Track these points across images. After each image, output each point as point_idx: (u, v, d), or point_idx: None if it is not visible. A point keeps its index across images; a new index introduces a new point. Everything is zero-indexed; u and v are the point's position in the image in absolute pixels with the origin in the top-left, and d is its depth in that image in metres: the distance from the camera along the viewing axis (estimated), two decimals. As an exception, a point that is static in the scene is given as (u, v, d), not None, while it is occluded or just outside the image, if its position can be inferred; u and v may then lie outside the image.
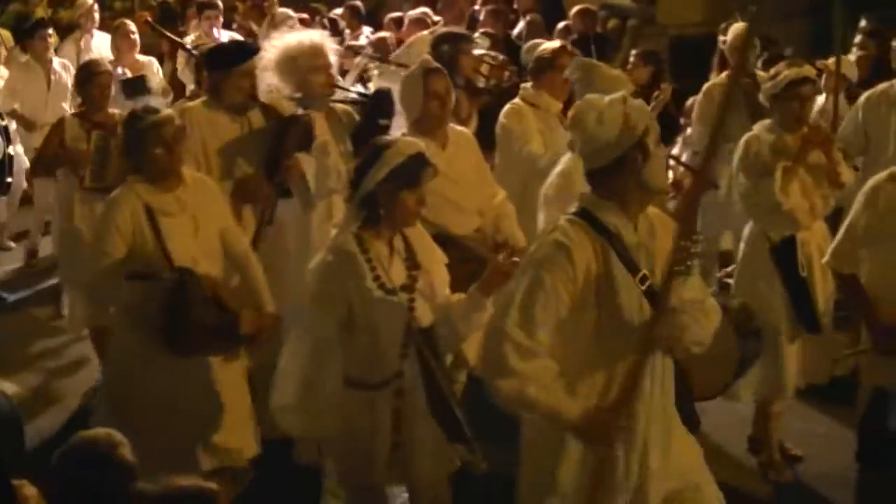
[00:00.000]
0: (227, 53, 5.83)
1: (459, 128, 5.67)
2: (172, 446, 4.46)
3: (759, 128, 5.35)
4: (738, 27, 7.48)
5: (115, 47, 8.95)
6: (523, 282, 3.43)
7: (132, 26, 8.93)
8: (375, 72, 8.05)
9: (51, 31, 9.36)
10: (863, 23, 8.45)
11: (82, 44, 9.55)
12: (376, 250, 4.02)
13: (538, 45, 6.80)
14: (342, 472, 4.34)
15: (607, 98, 3.57)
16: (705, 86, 7.50)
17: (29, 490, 3.07)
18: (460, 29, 7.41)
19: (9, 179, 7.14)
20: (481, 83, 7.21)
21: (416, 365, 4.05)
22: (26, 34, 9.27)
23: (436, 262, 4.20)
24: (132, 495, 3.04)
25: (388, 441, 4.09)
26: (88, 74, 6.62)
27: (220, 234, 4.77)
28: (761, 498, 5.28)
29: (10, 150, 6.90)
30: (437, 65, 5.51)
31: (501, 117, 6.23)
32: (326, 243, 4.42)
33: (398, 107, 5.68)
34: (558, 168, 5.18)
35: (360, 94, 6.42)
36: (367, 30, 10.77)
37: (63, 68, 8.90)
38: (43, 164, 6.73)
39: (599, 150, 3.51)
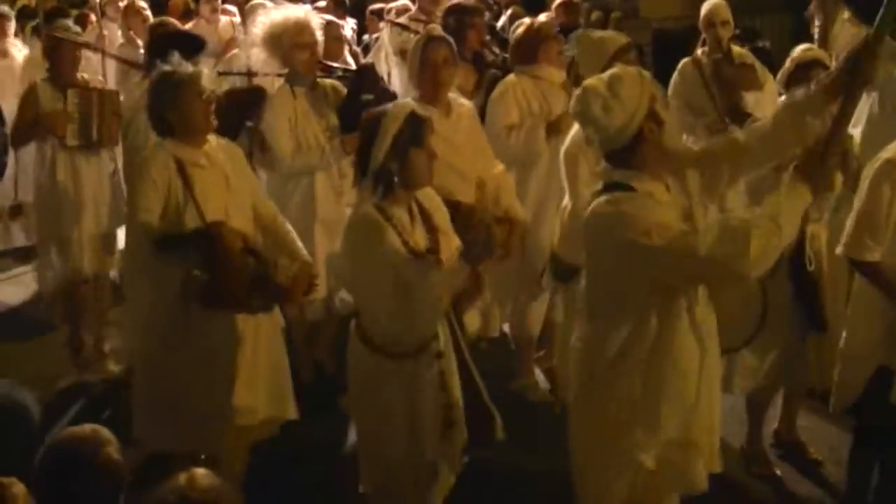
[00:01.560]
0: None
1: (462, 99, 5.68)
2: (206, 409, 4.53)
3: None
4: (713, 2, 7.56)
5: (128, 27, 8.96)
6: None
7: (142, 3, 8.97)
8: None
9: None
10: (845, 15, 8.49)
11: (106, 32, 9.37)
12: (398, 217, 4.04)
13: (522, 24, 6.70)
14: (380, 455, 4.25)
15: (605, 80, 3.60)
16: (680, 63, 7.57)
17: (17, 488, 2.97)
18: (466, 2, 7.40)
19: (4, 158, 7.12)
20: (489, 56, 7.20)
21: (446, 325, 4.15)
22: (44, 23, 9.24)
23: (448, 224, 4.25)
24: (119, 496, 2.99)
25: (439, 405, 4.12)
26: (56, 39, 6.61)
27: (250, 194, 4.79)
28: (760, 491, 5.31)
29: (5, 129, 6.88)
30: (440, 33, 5.55)
31: (495, 91, 6.09)
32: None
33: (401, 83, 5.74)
34: (576, 130, 5.13)
35: (344, 69, 6.45)
36: (351, 21, 10.78)
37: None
38: (22, 132, 6.66)
39: (614, 135, 3.59)
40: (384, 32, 8.31)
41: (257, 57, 6.10)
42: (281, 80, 6.08)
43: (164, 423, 4.69)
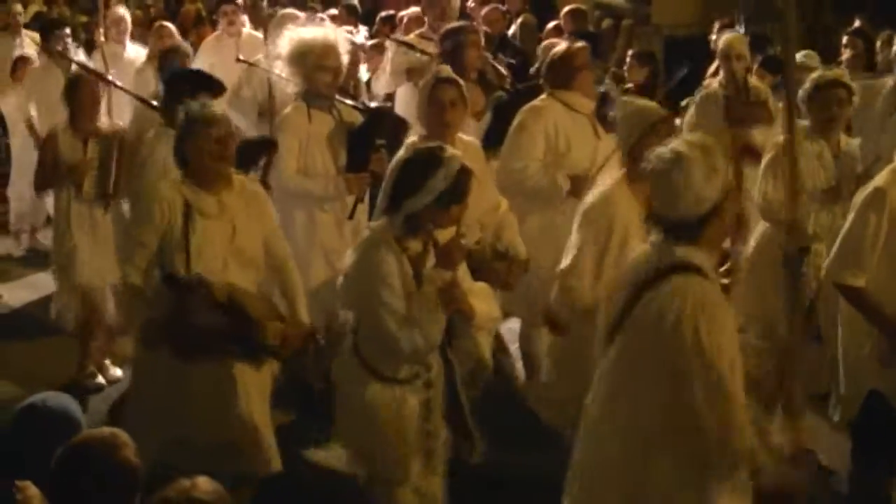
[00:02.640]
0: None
1: (467, 138, 5.61)
2: (192, 449, 4.49)
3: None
4: (729, 36, 7.52)
5: (153, 52, 8.96)
6: None
7: (170, 27, 8.99)
8: None
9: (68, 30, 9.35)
10: (857, 23, 8.51)
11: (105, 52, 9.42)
12: (413, 248, 4.07)
13: (555, 44, 6.68)
14: (374, 473, 4.33)
15: (700, 148, 3.49)
16: (700, 94, 7.54)
17: (32, 491, 3.04)
18: (461, 23, 7.39)
19: (7, 168, 7.18)
20: (492, 77, 7.19)
21: (440, 357, 4.18)
22: (43, 34, 9.31)
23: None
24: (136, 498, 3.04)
25: (421, 432, 4.18)
26: (76, 83, 6.64)
27: (262, 241, 4.74)
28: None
29: (8, 140, 6.92)
30: (449, 75, 5.43)
31: (522, 113, 5.96)
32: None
33: (405, 101, 5.72)
34: (600, 189, 4.96)
35: (362, 104, 6.43)
36: (363, 29, 10.81)
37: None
38: (44, 180, 6.71)
39: (699, 207, 3.47)
40: (389, 50, 8.28)
41: (281, 70, 6.08)
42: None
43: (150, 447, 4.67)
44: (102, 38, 8.99)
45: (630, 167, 4.76)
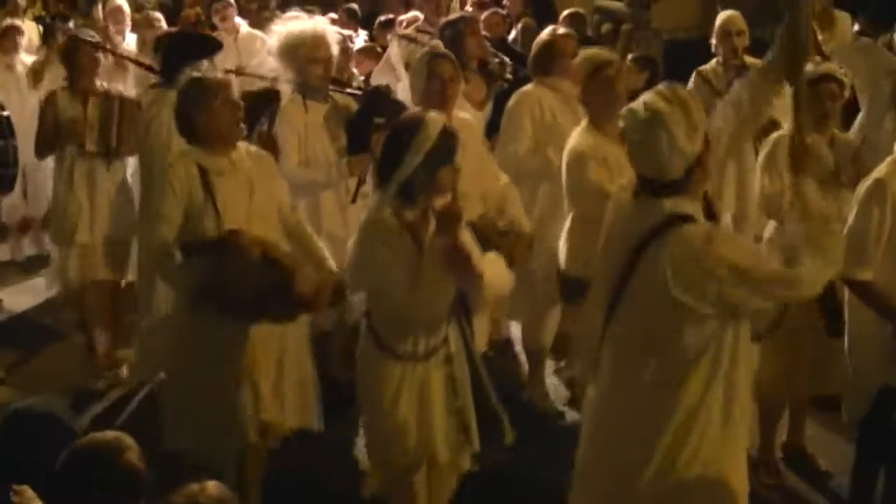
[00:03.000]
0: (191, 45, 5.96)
1: (462, 114, 5.69)
2: (222, 420, 4.55)
3: (788, 126, 5.31)
4: (728, 12, 7.56)
5: (142, 39, 9.01)
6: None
7: (159, 16, 9.02)
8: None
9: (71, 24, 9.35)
10: (856, 27, 8.49)
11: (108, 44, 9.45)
12: (411, 218, 4.07)
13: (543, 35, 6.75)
14: (392, 460, 4.28)
15: (675, 103, 3.50)
16: (693, 75, 7.58)
17: (28, 494, 3.04)
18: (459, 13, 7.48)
19: (13, 171, 7.18)
20: (494, 65, 7.23)
21: (457, 330, 4.17)
22: (48, 30, 9.30)
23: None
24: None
25: (450, 410, 4.17)
26: (76, 45, 6.67)
27: (275, 200, 4.79)
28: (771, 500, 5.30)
29: (16, 142, 6.94)
30: (444, 51, 5.59)
31: (512, 100, 6.18)
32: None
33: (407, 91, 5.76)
34: (571, 143, 5.23)
35: (357, 88, 6.47)
36: (363, 33, 10.81)
37: None
38: (44, 142, 6.73)
39: (685, 163, 3.49)
40: (392, 44, 8.32)
41: (272, 65, 6.14)
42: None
43: (187, 428, 4.70)
44: (101, 20, 9.05)
45: (589, 112, 5.21)
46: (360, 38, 10.45)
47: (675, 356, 3.52)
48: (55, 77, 8.53)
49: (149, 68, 7.21)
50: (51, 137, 6.65)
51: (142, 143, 6.31)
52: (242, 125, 4.70)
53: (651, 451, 3.58)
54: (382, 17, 10.74)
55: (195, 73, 4.72)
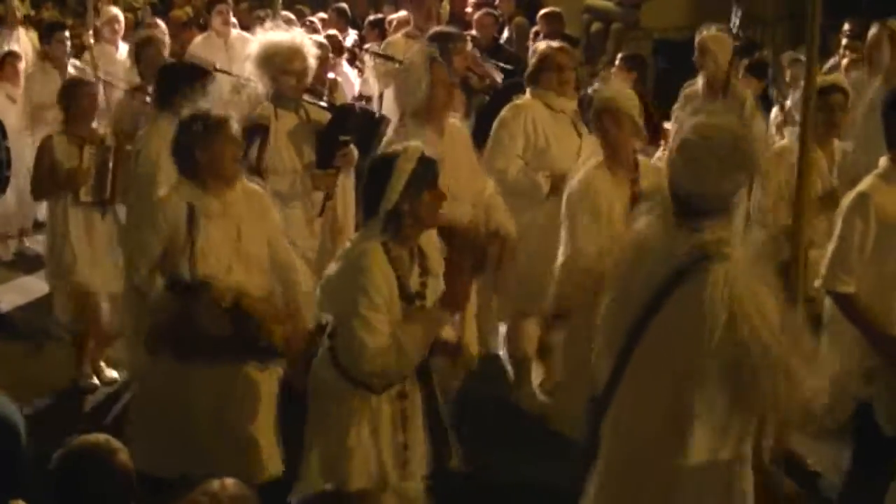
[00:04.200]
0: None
1: (452, 119, 5.72)
2: (193, 454, 4.49)
3: (789, 138, 5.30)
4: (706, 34, 7.55)
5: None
6: None
7: (157, 22, 9.03)
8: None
9: (67, 33, 9.27)
10: (846, 26, 8.52)
11: (97, 52, 9.21)
12: (400, 258, 4.06)
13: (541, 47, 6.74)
14: (345, 485, 4.22)
15: (725, 138, 3.40)
16: (683, 91, 7.58)
17: None
18: (451, 28, 7.45)
19: (6, 173, 7.16)
20: (475, 82, 7.25)
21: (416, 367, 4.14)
22: (42, 37, 9.27)
23: (439, 267, 4.25)
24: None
25: (396, 443, 4.15)
26: (75, 87, 6.64)
27: (267, 240, 4.75)
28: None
29: (7, 144, 6.91)
30: (438, 55, 5.58)
31: (504, 111, 6.12)
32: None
33: (392, 101, 5.75)
34: (580, 176, 5.11)
35: (328, 104, 6.47)
36: (353, 33, 10.80)
37: (79, 73, 8.68)
38: (41, 187, 6.68)
39: (726, 193, 3.42)
40: (368, 62, 8.34)
41: (249, 71, 6.14)
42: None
43: (154, 450, 4.62)
44: (92, 40, 8.99)
45: (603, 151, 5.11)
46: (350, 38, 10.45)
47: (706, 383, 3.42)
48: (49, 80, 8.58)
49: (138, 89, 7.14)
50: (46, 182, 6.58)
51: (129, 171, 6.23)
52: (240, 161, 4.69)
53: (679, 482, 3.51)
54: (372, 17, 10.75)
55: (196, 108, 4.65)
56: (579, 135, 6.01)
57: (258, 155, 5.72)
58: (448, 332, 4.22)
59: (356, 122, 5.93)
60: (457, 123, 5.76)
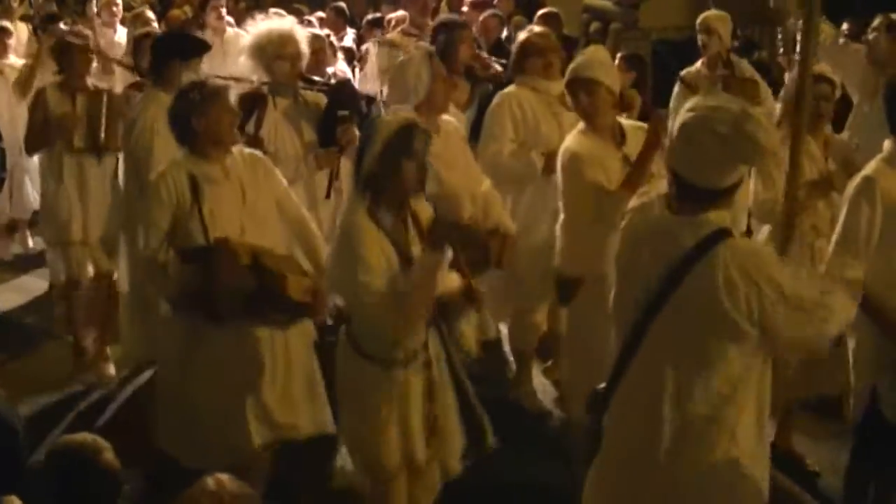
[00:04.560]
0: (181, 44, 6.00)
1: (446, 116, 5.73)
2: (225, 422, 4.54)
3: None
4: (708, 13, 7.59)
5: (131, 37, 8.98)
6: None
7: (149, 14, 9.01)
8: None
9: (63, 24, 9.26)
10: (845, 26, 8.53)
11: (102, 40, 9.32)
12: (391, 224, 4.08)
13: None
14: (371, 465, 4.28)
15: (725, 118, 3.31)
16: (680, 77, 7.59)
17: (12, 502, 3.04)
18: (456, 17, 7.48)
19: (2, 174, 7.18)
20: (479, 71, 7.26)
21: (436, 335, 4.19)
22: (39, 28, 9.27)
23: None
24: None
25: (425, 414, 4.18)
26: (69, 43, 6.69)
27: (275, 202, 4.78)
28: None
29: (2, 144, 6.92)
30: (434, 51, 5.66)
31: (493, 101, 6.19)
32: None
33: (393, 93, 5.76)
34: (566, 143, 5.15)
35: (324, 83, 6.49)
36: (351, 31, 10.79)
37: None
38: (34, 138, 6.75)
39: (729, 173, 3.37)
40: (372, 51, 8.33)
41: (244, 65, 6.15)
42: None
43: (181, 429, 4.69)
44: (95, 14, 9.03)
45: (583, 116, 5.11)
46: (349, 37, 10.44)
47: (722, 376, 3.41)
48: (44, 82, 8.53)
49: (133, 68, 7.19)
50: (40, 134, 6.65)
51: (125, 142, 6.28)
52: (237, 130, 4.71)
53: (697, 466, 3.48)
54: (370, 16, 10.73)
55: (193, 77, 4.75)
56: (566, 108, 5.93)
57: (256, 126, 5.73)
58: (454, 283, 4.19)
59: (352, 97, 5.97)
60: (452, 120, 5.77)
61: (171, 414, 4.74)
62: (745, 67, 7.52)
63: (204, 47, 6.04)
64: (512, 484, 5.29)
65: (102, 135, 6.55)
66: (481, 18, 9.58)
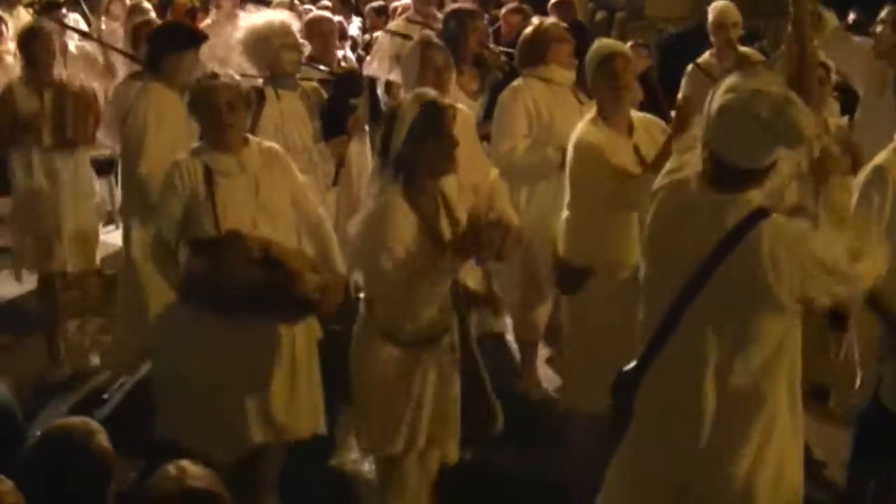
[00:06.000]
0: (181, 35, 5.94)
1: (457, 105, 5.65)
2: (224, 419, 4.52)
3: None
4: (718, 4, 7.56)
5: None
6: None
7: (146, 4, 8.98)
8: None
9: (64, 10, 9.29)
10: (851, 16, 8.51)
11: (104, 26, 9.36)
12: (424, 205, 4.11)
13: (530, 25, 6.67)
14: (382, 439, 4.30)
15: (767, 102, 3.31)
16: (688, 68, 7.57)
17: (5, 486, 2.98)
18: (469, 5, 7.45)
19: None
20: (490, 58, 7.22)
21: (457, 320, 4.20)
22: (37, 14, 9.23)
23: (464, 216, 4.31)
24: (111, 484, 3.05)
25: (437, 398, 4.20)
26: (34, 34, 6.56)
27: (290, 196, 4.76)
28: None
29: None
30: (436, 40, 5.61)
31: (503, 95, 6.10)
32: None
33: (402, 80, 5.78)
34: (576, 133, 5.08)
35: (328, 72, 6.47)
36: (357, 20, 10.78)
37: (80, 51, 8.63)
38: (3, 138, 6.56)
39: (767, 153, 3.39)
40: (382, 41, 8.31)
41: (237, 62, 6.08)
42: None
43: (182, 420, 4.65)
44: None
45: (596, 103, 5.03)
46: (354, 26, 10.43)
47: (761, 350, 3.47)
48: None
49: (131, 57, 7.15)
50: (9, 134, 6.50)
51: (121, 133, 6.23)
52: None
53: (739, 444, 3.52)
54: (375, 4, 10.73)
55: (207, 71, 4.71)
56: (581, 103, 5.92)
57: (252, 123, 5.74)
58: (475, 282, 4.26)
59: (360, 86, 5.96)
60: (461, 108, 5.72)
61: (172, 402, 4.70)
62: (755, 55, 7.50)
63: (200, 38, 5.95)
64: (516, 473, 5.29)
65: (70, 131, 6.41)
66: (503, 14, 9.55)
